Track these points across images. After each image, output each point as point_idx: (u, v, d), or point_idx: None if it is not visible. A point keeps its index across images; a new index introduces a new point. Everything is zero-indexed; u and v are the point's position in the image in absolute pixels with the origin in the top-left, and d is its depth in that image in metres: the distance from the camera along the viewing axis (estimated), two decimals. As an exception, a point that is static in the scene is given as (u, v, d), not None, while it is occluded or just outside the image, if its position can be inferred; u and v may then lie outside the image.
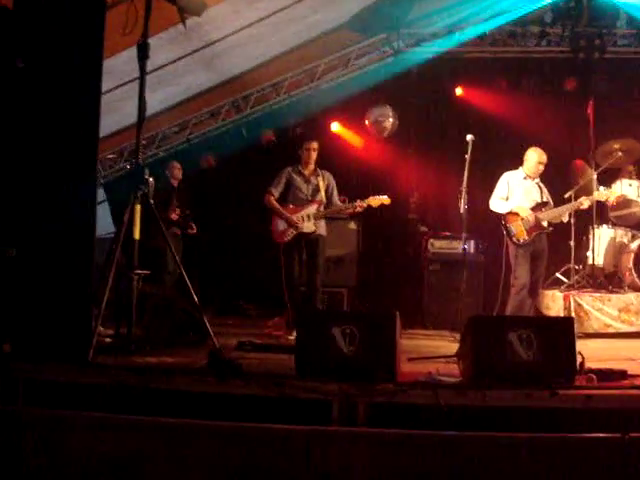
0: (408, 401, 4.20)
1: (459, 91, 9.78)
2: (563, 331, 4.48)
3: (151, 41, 8.14)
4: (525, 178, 7.14)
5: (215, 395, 4.33)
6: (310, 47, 9.72)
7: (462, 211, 5.83)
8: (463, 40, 9.72)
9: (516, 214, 6.92)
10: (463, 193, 5.86)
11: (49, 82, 5.13)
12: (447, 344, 6.80)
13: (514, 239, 6.84)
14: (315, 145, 7.27)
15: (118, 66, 8.22)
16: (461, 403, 4.21)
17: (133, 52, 8.18)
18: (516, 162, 7.56)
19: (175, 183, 9.08)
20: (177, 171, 9.06)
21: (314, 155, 7.26)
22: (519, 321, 4.73)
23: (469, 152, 5.97)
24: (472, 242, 8.19)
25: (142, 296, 6.36)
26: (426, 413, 4.19)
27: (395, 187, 7.46)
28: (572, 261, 8.23)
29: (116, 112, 9.64)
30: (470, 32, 9.65)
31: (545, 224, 7.00)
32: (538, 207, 7.08)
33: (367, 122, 9.77)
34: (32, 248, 4.89)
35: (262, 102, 10.19)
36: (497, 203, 7.05)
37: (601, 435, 3.81)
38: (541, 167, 7.16)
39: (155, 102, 9.84)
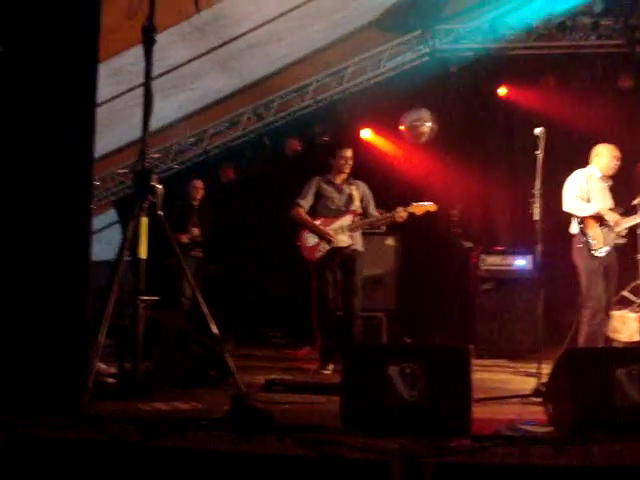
0: (490, 462, 3.20)
1: (503, 91, 8.85)
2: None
3: (162, 37, 7.29)
4: (601, 178, 6.12)
5: (239, 455, 3.35)
6: (338, 47, 8.86)
7: (536, 217, 4.83)
8: (506, 35, 8.82)
9: (596, 220, 5.88)
10: (536, 197, 4.86)
11: (33, 74, 4.23)
12: (511, 377, 5.82)
13: (592, 250, 5.79)
14: (351, 153, 6.37)
15: (125, 67, 7.40)
16: (559, 463, 3.20)
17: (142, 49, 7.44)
18: (568, 167, 6.57)
19: (196, 203, 8.27)
20: (198, 190, 8.28)
21: (350, 164, 6.35)
22: (628, 354, 3.72)
23: (541, 148, 4.99)
24: (529, 257, 7.19)
25: (152, 326, 5.48)
26: (513, 477, 3.19)
27: (435, 199, 6.51)
28: (640, 277, 7.21)
29: (125, 121, 8.81)
30: (514, 26, 8.73)
31: (622, 233, 5.96)
32: (614, 212, 6.04)
33: (402, 127, 8.86)
34: (11, 272, 3.98)
35: (286, 108, 9.31)
36: (577, 203, 5.95)
37: None
38: (617, 163, 6.15)
39: (169, 110, 9.02)
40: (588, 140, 8.04)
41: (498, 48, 8.88)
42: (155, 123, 9.10)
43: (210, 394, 4.61)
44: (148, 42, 4.91)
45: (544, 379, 4.60)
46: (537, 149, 5.01)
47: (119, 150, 9.10)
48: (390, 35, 9.15)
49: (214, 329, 4.67)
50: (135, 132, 9.28)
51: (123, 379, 4.67)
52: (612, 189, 6.34)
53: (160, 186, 4.58)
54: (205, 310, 4.67)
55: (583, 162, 6.47)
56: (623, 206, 6.31)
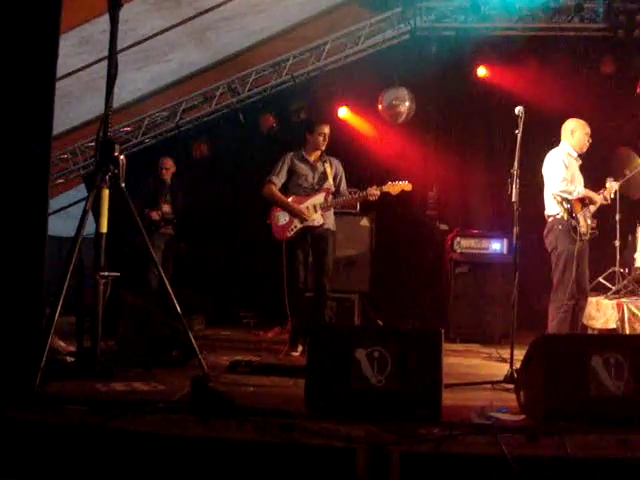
0: (459, 451, 3.07)
1: (482, 71, 8.66)
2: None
3: (135, 6, 7.16)
4: (577, 158, 5.95)
5: (198, 440, 3.18)
6: (316, 22, 8.63)
7: (514, 199, 4.67)
8: (488, 15, 8.63)
9: (581, 202, 5.72)
10: (515, 177, 4.70)
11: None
12: (483, 362, 5.71)
13: (581, 232, 5.60)
14: (328, 129, 6.17)
15: (96, 35, 7.12)
16: (532, 454, 3.08)
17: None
18: (546, 151, 6.43)
19: (167, 180, 8.04)
20: (167, 170, 8.09)
21: (326, 140, 6.15)
22: (604, 342, 3.59)
23: (520, 127, 4.82)
24: (504, 240, 7.07)
25: (115, 303, 5.30)
26: (484, 466, 3.06)
27: (411, 180, 6.34)
28: (617, 264, 7.15)
29: (96, 92, 8.47)
30: (496, 6, 8.54)
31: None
32: None
33: (380, 106, 8.65)
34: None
35: (262, 84, 9.07)
36: (566, 186, 5.74)
37: None
38: (589, 140, 5.99)
39: (141, 83, 8.77)
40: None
41: (479, 28, 8.68)
42: (127, 95, 8.96)
43: (172, 375, 4.44)
44: (114, 6, 4.64)
45: (517, 365, 4.48)
46: (516, 129, 4.84)
47: (89, 123, 8.82)
48: (370, 12, 8.93)
49: (177, 308, 4.49)
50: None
51: (82, 358, 4.48)
52: (587, 171, 6.22)
53: (123, 157, 4.38)
54: (169, 289, 4.49)
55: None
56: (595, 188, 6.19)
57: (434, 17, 8.80)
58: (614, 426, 3.22)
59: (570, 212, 5.71)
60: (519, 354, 4.84)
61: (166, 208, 7.85)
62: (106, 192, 4.36)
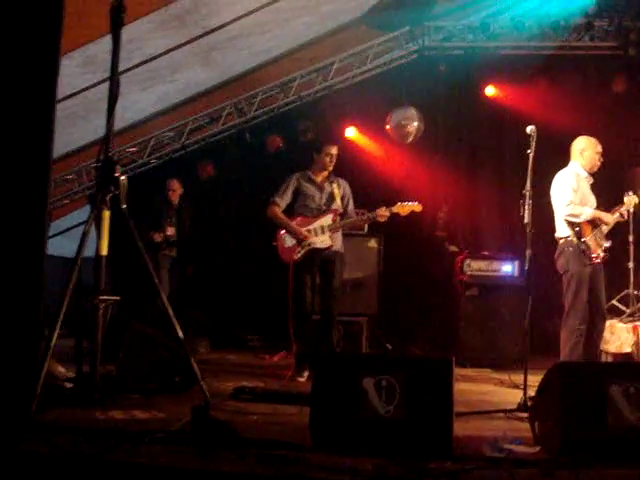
0: (472, 486, 2.91)
1: (490, 90, 8.56)
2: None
3: (139, 25, 7.09)
4: (587, 177, 5.78)
5: (197, 473, 3.04)
6: (324, 42, 8.56)
7: (526, 220, 4.52)
8: (498, 34, 8.55)
9: (590, 224, 5.56)
10: (527, 198, 4.55)
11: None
12: (495, 389, 5.53)
13: (592, 256, 5.44)
14: (336, 150, 6.06)
15: (101, 55, 7.04)
16: (547, 489, 2.92)
17: (123, 35, 7.08)
18: (557, 171, 6.29)
19: (175, 202, 7.93)
20: (174, 192, 8.01)
21: (334, 161, 6.05)
22: (623, 370, 3.43)
23: (532, 147, 4.69)
24: (516, 262, 6.92)
25: (119, 327, 5.19)
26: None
27: (420, 200, 6.22)
28: (631, 286, 6.98)
29: (102, 113, 8.44)
30: (506, 24, 8.46)
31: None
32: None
33: (388, 127, 8.55)
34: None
35: (269, 104, 8.99)
36: (574, 209, 5.55)
37: None
38: (601, 160, 5.82)
39: (146, 103, 8.70)
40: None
41: (488, 47, 8.60)
42: (132, 116, 8.89)
43: (174, 402, 4.30)
44: (116, 24, 4.55)
45: (531, 392, 4.32)
46: (528, 148, 4.71)
47: (94, 143, 8.73)
48: (378, 32, 8.86)
49: (179, 332, 4.35)
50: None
51: (80, 384, 4.35)
52: (599, 191, 6.06)
53: (124, 178, 4.26)
54: (170, 312, 4.36)
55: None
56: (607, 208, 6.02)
57: (442, 36, 8.72)
58: (634, 460, 3.05)
59: (579, 236, 5.56)
60: (533, 380, 4.70)
61: (170, 231, 7.72)
62: (107, 213, 4.25)
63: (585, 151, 5.82)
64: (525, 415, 4.05)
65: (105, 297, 4.24)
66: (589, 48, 8.53)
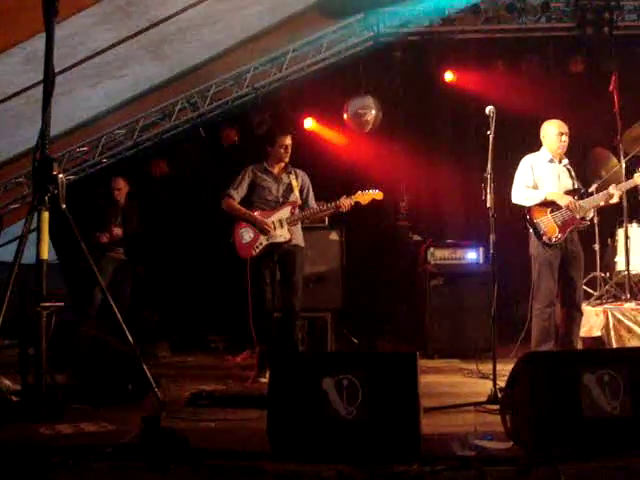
0: (442, 488, 2.73)
1: (449, 76, 8.41)
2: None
3: (82, 19, 6.80)
4: (551, 160, 5.69)
5: (148, 489, 2.81)
6: (276, 31, 8.32)
7: (489, 204, 4.35)
8: (453, 18, 8.41)
9: (545, 206, 5.45)
10: (489, 180, 4.38)
11: None
12: (464, 380, 5.37)
13: (544, 238, 5.36)
14: (289, 140, 5.81)
15: (42, 51, 6.73)
16: (522, 487, 2.74)
17: (66, 29, 6.76)
18: (518, 155, 6.19)
19: (120, 201, 7.60)
20: (119, 190, 7.64)
21: (289, 152, 5.80)
22: (597, 357, 3.27)
23: (492, 128, 4.52)
24: (480, 249, 6.77)
25: (68, 333, 4.92)
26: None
27: (381, 190, 6.04)
28: (598, 268, 6.87)
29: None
30: (461, 7, 8.31)
31: (579, 216, 5.52)
32: (571, 195, 5.60)
33: (346, 116, 8.35)
34: None
35: (222, 97, 8.72)
36: (524, 192, 5.52)
37: None
38: (564, 139, 5.71)
39: (96, 100, 8.37)
40: (538, 126, 7.76)
41: (445, 32, 8.45)
42: (82, 114, 8.56)
43: (127, 412, 4.04)
44: (49, 12, 4.27)
45: (500, 382, 4.17)
46: (488, 129, 4.54)
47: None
48: (332, 19, 8.65)
49: (128, 337, 4.11)
50: (62, 123, 8.68)
51: (26, 397, 4.08)
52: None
53: (62, 176, 4.00)
54: (118, 316, 4.12)
55: (533, 149, 6.09)
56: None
57: (398, 22, 8.54)
58: (612, 451, 2.89)
59: (530, 218, 5.47)
60: (502, 369, 4.56)
61: (116, 231, 7.35)
62: (45, 215, 3.99)
63: (546, 135, 5.77)
64: (495, 407, 3.88)
65: (47, 304, 3.97)
66: (546, 30, 8.43)
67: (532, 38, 8.42)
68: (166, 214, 8.52)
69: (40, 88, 7.51)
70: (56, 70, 7.30)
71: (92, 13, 6.62)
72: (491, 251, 4.40)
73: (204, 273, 8.27)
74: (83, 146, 8.74)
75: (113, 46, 7.30)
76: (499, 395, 4.06)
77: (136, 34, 7.28)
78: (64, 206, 4.02)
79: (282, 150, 5.74)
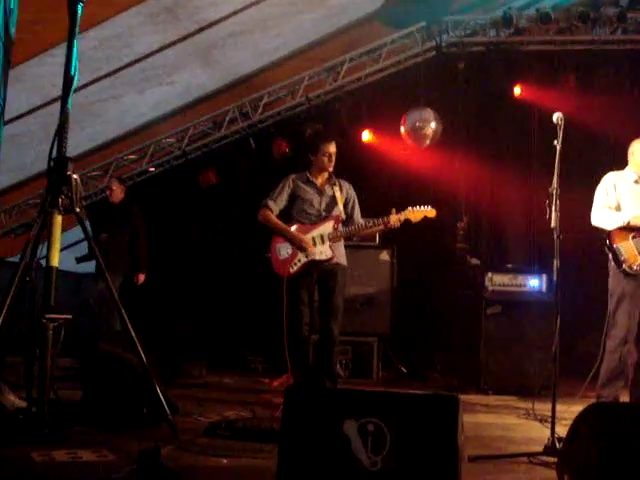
0: None
1: (516, 90, 7.85)
2: None
3: (126, 18, 6.54)
4: (637, 181, 5.10)
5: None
6: (333, 40, 7.95)
7: (553, 224, 3.80)
8: (522, 28, 7.89)
9: (628, 231, 4.85)
10: (554, 197, 3.83)
11: None
12: (519, 422, 4.79)
13: (624, 266, 4.76)
14: (333, 148, 5.33)
15: (86, 52, 6.49)
16: None
17: (109, 29, 6.51)
18: (588, 176, 5.63)
19: (116, 202, 7.24)
20: (115, 191, 7.22)
21: (333, 160, 5.34)
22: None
23: (560, 137, 3.99)
24: (543, 276, 6.18)
25: (87, 349, 4.58)
26: None
27: (439, 209, 5.55)
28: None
29: (96, 118, 7.94)
30: (531, 17, 7.81)
31: None
32: None
33: (403, 129, 7.87)
34: None
35: (275, 107, 8.39)
36: (605, 214, 4.96)
37: None
38: None
39: (145, 107, 8.13)
40: (613, 147, 7.14)
41: (512, 42, 7.93)
42: (131, 121, 8.33)
43: (135, 439, 3.62)
44: (73, 2, 3.93)
45: (560, 430, 3.61)
46: (555, 139, 4.00)
47: (87, 153, 8.22)
48: (392, 28, 8.23)
49: (142, 356, 3.72)
50: (111, 130, 8.46)
51: (28, 416, 3.72)
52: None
53: (77, 176, 3.65)
54: (132, 335, 3.73)
55: (605, 170, 5.52)
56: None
57: (462, 32, 8.08)
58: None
59: (609, 243, 4.89)
60: (564, 412, 4.01)
61: (103, 237, 6.92)
62: (58, 218, 3.64)
63: (635, 152, 5.21)
64: (552, 460, 3.32)
65: (54, 315, 3.61)
66: (622, 42, 7.82)
67: (607, 51, 7.83)
68: (212, 226, 8.19)
69: (83, 94, 7.37)
70: (101, 73, 7.17)
71: (137, 12, 6.37)
72: (555, 278, 3.85)
73: (247, 289, 7.87)
74: (131, 154, 8.51)
75: (160, 50, 7.04)
76: (557, 445, 3.51)
77: (184, 37, 7.02)
78: (78, 209, 3.66)
79: (325, 158, 5.28)
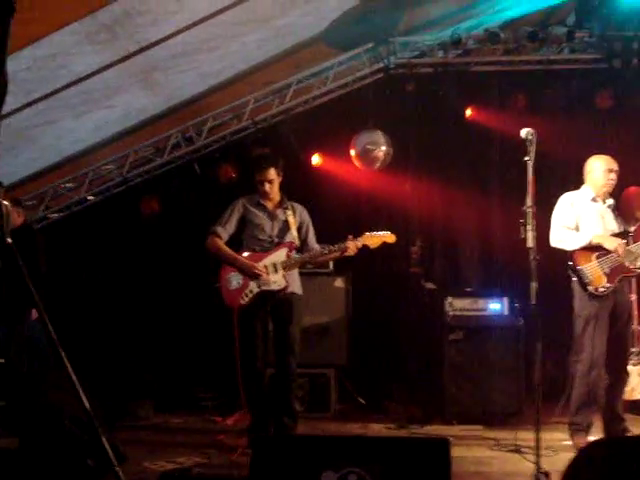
0: None
1: (469, 112, 7.74)
2: None
3: (62, 37, 6.17)
4: (594, 200, 4.99)
5: None
6: (279, 62, 7.71)
7: (530, 244, 3.57)
8: (470, 49, 7.82)
9: (591, 251, 4.72)
10: (529, 216, 3.62)
11: None
12: (492, 455, 4.56)
13: (590, 288, 4.62)
14: (272, 174, 5.03)
15: (19, 73, 6.10)
16: None
17: (44, 49, 6.13)
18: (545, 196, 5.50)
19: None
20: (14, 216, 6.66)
21: (275, 186, 5.05)
22: None
23: (532, 153, 3.79)
24: (504, 299, 6.01)
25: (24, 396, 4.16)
26: None
27: (392, 233, 5.35)
28: (635, 321, 6.11)
29: (31, 144, 7.52)
30: (479, 38, 7.72)
31: (628, 263, 4.77)
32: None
33: (353, 152, 7.66)
34: None
35: (220, 131, 8.09)
36: (565, 234, 4.82)
37: None
38: (612, 177, 5.06)
39: (84, 132, 7.72)
40: (563, 166, 7.09)
41: (460, 63, 7.84)
42: (67, 147, 7.91)
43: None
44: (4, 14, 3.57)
45: (543, 462, 3.37)
46: (526, 156, 3.82)
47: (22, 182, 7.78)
48: (339, 51, 8.05)
49: (85, 403, 3.33)
50: (46, 158, 8.03)
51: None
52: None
53: (7, 202, 3.26)
54: (73, 377, 3.34)
55: (558, 190, 5.42)
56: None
57: (410, 53, 7.94)
58: None
59: (572, 265, 4.75)
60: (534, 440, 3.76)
61: None
62: (-14, 249, 3.24)
63: (590, 172, 5.11)
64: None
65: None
66: (571, 62, 7.81)
67: (555, 70, 7.80)
68: (156, 257, 7.80)
69: (16, 118, 6.93)
70: (35, 96, 6.76)
71: (73, 30, 6.00)
72: (533, 301, 3.63)
73: (195, 322, 7.48)
74: (68, 182, 8.08)
75: (99, 71, 6.67)
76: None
77: (125, 58, 6.67)
78: (9, 240, 3.27)
79: (262, 187, 5.01)
